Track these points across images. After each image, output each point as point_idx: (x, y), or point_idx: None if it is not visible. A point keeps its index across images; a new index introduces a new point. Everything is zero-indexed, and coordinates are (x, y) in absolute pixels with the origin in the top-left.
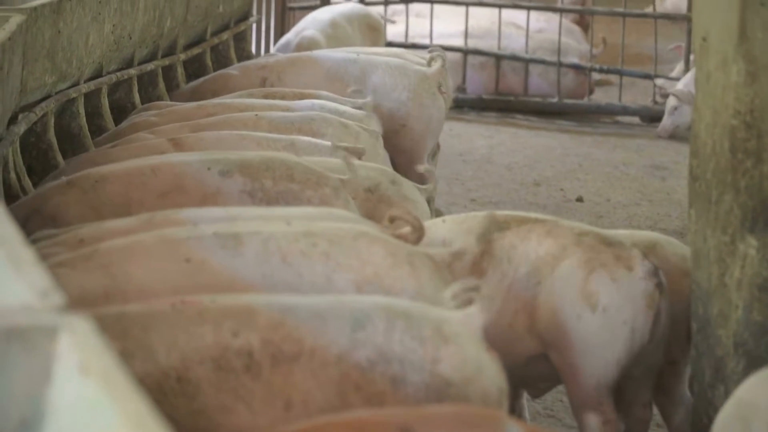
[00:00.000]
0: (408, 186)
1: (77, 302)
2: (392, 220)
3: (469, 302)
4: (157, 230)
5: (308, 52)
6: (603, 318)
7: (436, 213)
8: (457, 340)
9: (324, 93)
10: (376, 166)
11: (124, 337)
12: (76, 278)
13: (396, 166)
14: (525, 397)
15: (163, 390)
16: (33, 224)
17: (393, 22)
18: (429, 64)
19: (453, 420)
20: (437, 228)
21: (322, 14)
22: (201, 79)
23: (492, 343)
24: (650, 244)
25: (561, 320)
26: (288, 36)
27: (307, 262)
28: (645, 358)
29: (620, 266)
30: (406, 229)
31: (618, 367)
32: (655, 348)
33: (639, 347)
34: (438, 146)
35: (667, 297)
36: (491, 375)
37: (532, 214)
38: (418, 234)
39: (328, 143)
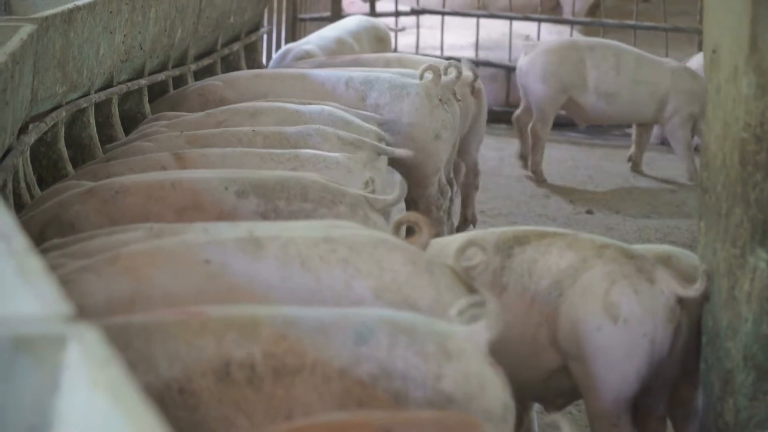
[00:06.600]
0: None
1: (104, 307)
2: (399, 225)
3: (476, 318)
4: (176, 236)
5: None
6: (624, 330)
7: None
8: (460, 357)
9: (331, 102)
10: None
11: (127, 348)
12: (102, 283)
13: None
14: (535, 409)
15: (165, 401)
16: (52, 230)
17: (402, 29)
18: (445, 72)
19: (434, 425)
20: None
21: (329, 32)
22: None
23: (516, 356)
24: (665, 256)
25: (581, 331)
26: (291, 44)
27: (326, 267)
28: (663, 372)
29: (642, 278)
30: (417, 235)
31: (637, 380)
32: (673, 362)
33: (658, 360)
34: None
35: (688, 311)
36: (495, 391)
37: (551, 228)
38: (427, 237)
39: (335, 155)
